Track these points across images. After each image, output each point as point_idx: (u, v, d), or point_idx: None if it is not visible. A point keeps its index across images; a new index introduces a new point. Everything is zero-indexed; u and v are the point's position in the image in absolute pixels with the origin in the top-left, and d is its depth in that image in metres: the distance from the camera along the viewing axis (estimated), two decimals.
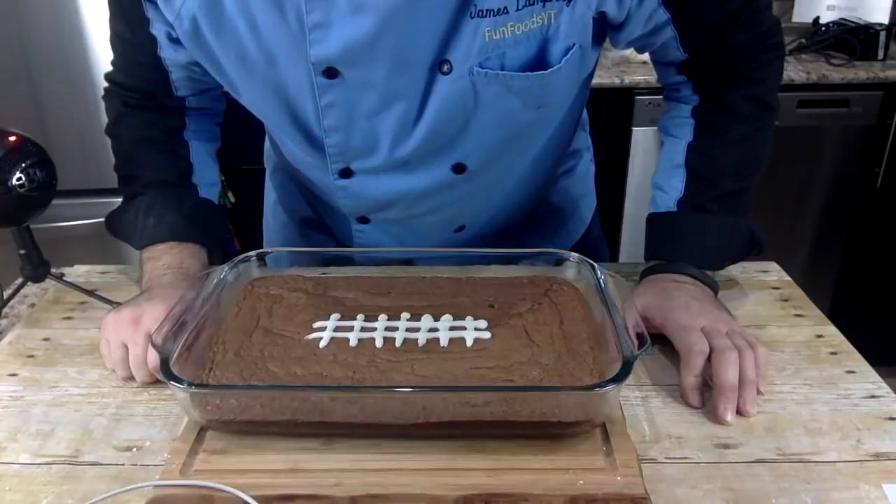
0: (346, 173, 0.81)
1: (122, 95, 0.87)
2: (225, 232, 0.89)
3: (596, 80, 1.92)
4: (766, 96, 0.83)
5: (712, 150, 0.82)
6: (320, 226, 1.02)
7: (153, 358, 0.69)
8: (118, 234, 0.88)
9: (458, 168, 0.80)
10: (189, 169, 0.88)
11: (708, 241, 0.81)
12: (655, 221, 0.84)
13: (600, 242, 1.12)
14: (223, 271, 0.75)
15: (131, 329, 0.70)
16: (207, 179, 0.90)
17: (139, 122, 0.87)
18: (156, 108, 0.87)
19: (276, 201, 1.07)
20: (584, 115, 1.04)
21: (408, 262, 0.91)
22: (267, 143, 1.05)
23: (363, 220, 0.89)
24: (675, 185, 0.83)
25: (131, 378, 0.72)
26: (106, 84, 0.89)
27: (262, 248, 0.84)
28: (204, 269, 0.82)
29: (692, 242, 0.81)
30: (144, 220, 0.83)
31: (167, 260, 0.82)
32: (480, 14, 0.67)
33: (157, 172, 0.86)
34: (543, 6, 0.67)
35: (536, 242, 1.01)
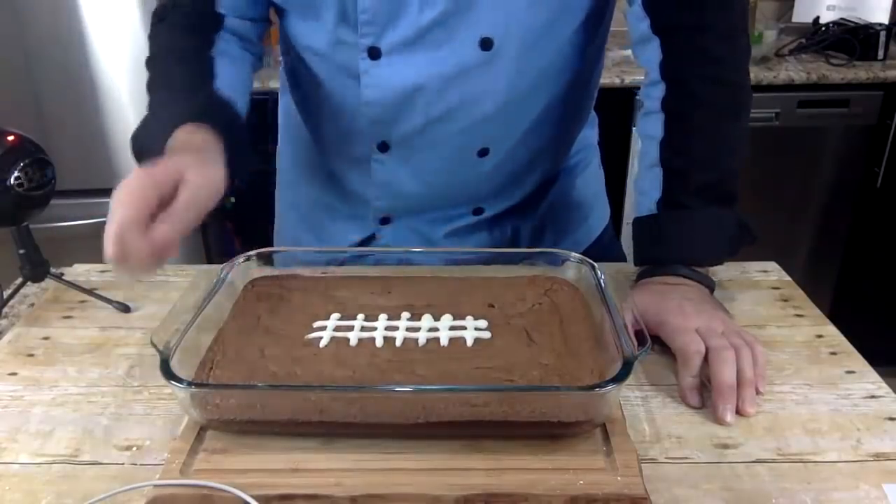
0: (374, 53, 0.80)
1: (164, 20, 0.86)
2: (246, 147, 0.82)
3: None
4: (731, 75, 0.81)
5: (681, 142, 0.81)
6: (333, 210, 1.02)
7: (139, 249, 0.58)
8: (140, 150, 0.77)
9: (486, 43, 0.79)
10: (211, 77, 0.82)
11: (692, 239, 0.79)
12: (639, 225, 0.83)
13: (614, 246, 1.12)
14: (223, 271, 0.75)
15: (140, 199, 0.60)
16: (234, 90, 0.83)
17: (170, 50, 0.85)
18: (194, 22, 0.84)
19: (288, 202, 1.07)
20: (594, 115, 1.06)
21: (407, 262, 0.92)
22: (281, 119, 1.06)
23: (383, 147, 0.87)
24: (654, 186, 0.82)
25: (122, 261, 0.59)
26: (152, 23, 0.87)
27: (266, 245, 0.84)
28: (221, 150, 0.72)
29: (676, 242, 0.80)
30: (160, 123, 0.75)
31: (181, 137, 0.72)
32: None
33: (177, 79, 0.82)
34: None
35: (552, 241, 1.02)
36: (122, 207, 0.59)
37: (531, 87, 0.85)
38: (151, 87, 0.84)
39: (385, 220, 0.98)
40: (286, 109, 1.05)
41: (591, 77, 0.95)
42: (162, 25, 0.87)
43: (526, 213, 1.01)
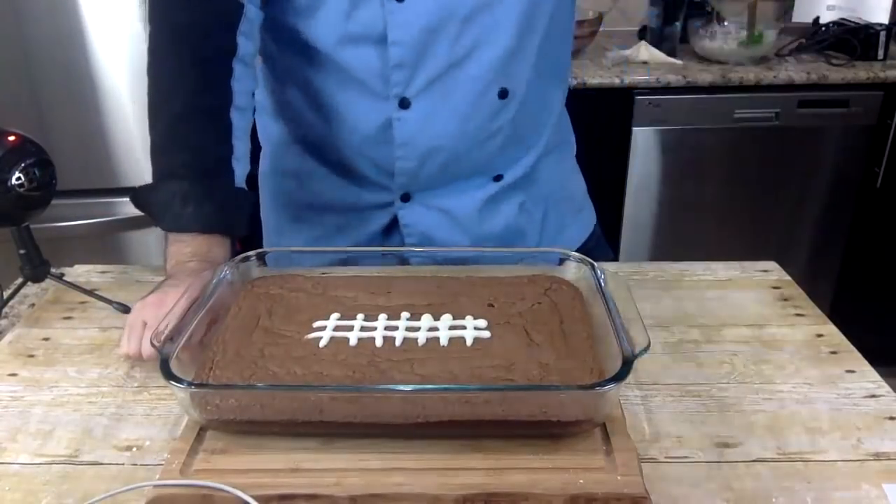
0: None
1: (168, 30, 0.85)
2: (250, 219, 0.89)
3: (596, 81, 1.92)
4: None
5: None
6: (349, 202, 1.02)
7: (148, 348, 0.71)
8: (144, 210, 0.86)
9: None
10: (230, 152, 0.86)
11: None
12: None
13: (602, 247, 1.13)
14: (223, 271, 0.75)
15: (154, 310, 0.73)
16: (243, 161, 0.89)
17: (189, 88, 0.84)
18: (201, 52, 0.84)
19: (271, 205, 1.07)
20: (566, 112, 1.09)
21: (404, 261, 0.92)
22: (266, 147, 1.06)
23: (404, 103, 0.89)
24: None
25: (137, 356, 0.72)
26: (150, 27, 0.86)
27: (261, 247, 0.84)
28: (226, 256, 0.83)
29: None
30: (181, 208, 0.82)
31: (194, 247, 0.82)
32: None
33: (199, 156, 0.84)
34: None
35: (556, 229, 1.04)
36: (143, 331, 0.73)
37: (537, 19, 0.89)
38: (166, 142, 0.85)
39: (406, 197, 0.98)
40: (270, 132, 1.05)
41: (570, 31, 1.02)
42: (167, 34, 0.85)
43: (536, 190, 1.03)
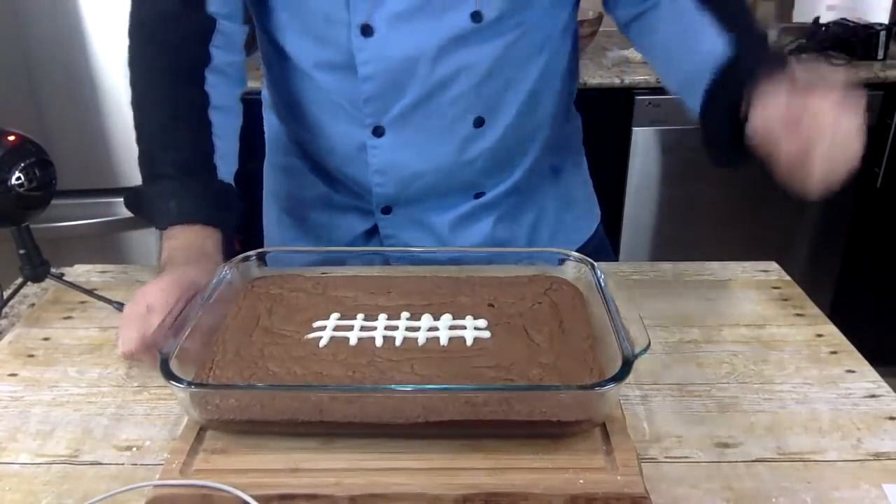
0: (367, 31, 0.83)
1: (144, 46, 0.87)
2: (240, 212, 0.90)
3: (596, 81, 1.92)
4: None
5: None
6: (332, 207, 1.03)
7: (148, 336, 0.69)
8: (140, 213, 0.88)
9: (476, 16, 0.83)
10: (211, 149, 0.87)
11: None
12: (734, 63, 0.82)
13: (605, 247, 1.13)
14: (223, 271, 0.75)
15: (154, 294, 0.71)
16: (227, 159, 0.90)
17: (167, 97, 0.86)
18: (179, 63, 0.86)
19: (280, 211, 1.07)
20: (576, 113, 1.07)
21: (387, 262, 0.92)
22: (268, 134, 1.06)
23: (378, 131, 0.89)
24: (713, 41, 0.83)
25: (137, 350, 0.70)
26: (128, 42, 0.88)
27: (262, 247, 0.84)
28: (218, 248, 0.83)
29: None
30: (166, 206, 0.83)
31: (181, 240, 0.82)
32: None
33: (180, 154, 0.86)
34: None
35: (549, 236, 1.03)
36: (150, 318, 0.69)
37: (519, 52, 0.88)
38: (150, 146, 0.86)
39: (386, 210, 0.98)
40: (271, 124, 1.06)
41: (569, 46, 0.99)
42: (143, 49, 0.87)
43: (523, 201, 1.01)
